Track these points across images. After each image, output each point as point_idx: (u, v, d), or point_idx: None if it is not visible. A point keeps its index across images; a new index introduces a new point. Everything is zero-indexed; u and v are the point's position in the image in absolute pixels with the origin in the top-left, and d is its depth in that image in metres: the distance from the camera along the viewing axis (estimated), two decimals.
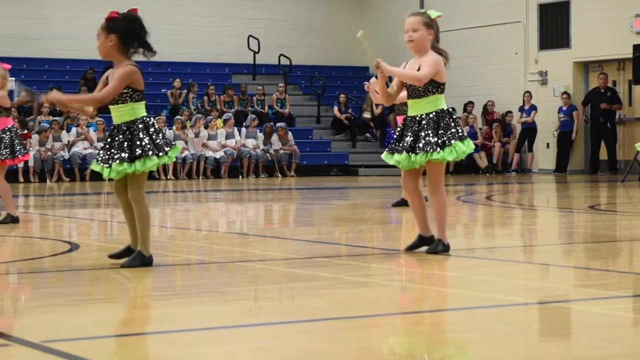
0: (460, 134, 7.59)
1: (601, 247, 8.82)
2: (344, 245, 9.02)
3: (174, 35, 27.12)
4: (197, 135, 24.27)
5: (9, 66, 11.07)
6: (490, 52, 27.54)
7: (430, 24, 7.71)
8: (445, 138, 7.50)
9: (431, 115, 7.55)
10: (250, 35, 28.30)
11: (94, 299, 6.12)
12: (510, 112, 26.73)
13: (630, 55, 21.16)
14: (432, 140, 7.48)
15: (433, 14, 7.78)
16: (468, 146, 7.62)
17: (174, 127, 23.90)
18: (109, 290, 6.45)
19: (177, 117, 24.40)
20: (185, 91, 26.03)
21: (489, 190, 18.77)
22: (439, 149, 7.48)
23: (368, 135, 27.29)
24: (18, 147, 10.87)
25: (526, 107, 26.28)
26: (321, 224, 11.65)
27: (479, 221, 12.12)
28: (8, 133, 10.84)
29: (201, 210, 14.72)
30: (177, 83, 26.04)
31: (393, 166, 7.86)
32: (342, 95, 27.40)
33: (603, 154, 25.02)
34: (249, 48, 28.33)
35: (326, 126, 27.65)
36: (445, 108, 7.63)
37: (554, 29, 26.35)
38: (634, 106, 24.64)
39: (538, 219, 12.76)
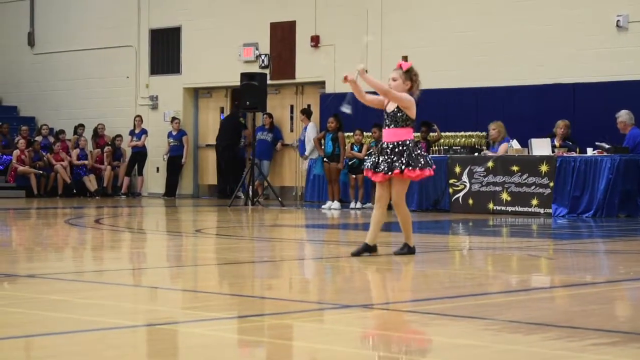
0: None
1: (208, 270, 8.98)
2: None
3: None
4: None
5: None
6: (101, 75, 27.42)
7: None
8: None
9: None
10: None
11: None
12: (120, 135, 26.67)
13: (239, 83, 21.75)
14: None
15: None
16: None
17: None
18: None
19: None
20: None
21: (99, 213, 18.63)
22: None
23: None
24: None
25: (137, 131, 26.36)
26: None
27: (87, 244, 11.98)
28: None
29: None
30: None
31: None
32: None
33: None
34: None
35: None
36: None
37: (164, 54, 26.66)
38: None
39: (147, 242, 12.81)
